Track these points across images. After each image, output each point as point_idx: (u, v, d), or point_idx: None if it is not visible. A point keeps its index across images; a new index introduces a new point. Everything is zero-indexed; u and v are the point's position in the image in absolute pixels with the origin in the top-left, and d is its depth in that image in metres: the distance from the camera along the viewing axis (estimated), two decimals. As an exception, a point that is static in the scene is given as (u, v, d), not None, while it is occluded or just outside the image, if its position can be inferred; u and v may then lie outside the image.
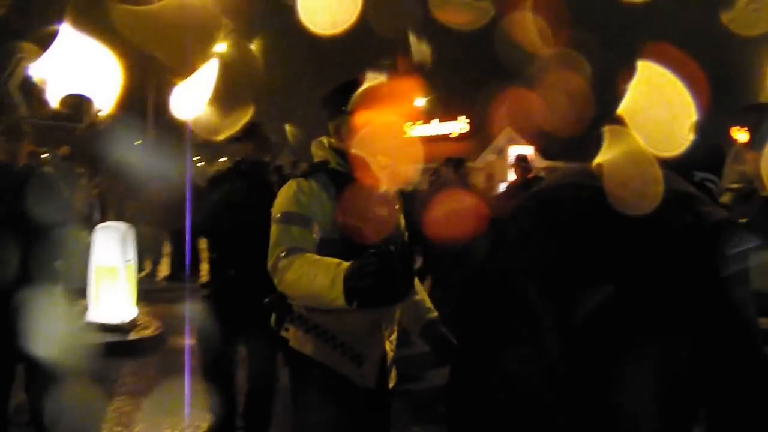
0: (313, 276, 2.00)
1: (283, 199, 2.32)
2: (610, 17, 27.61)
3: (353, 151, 2.37)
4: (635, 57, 1.68)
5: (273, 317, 2.40)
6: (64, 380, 3.71)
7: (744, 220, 2.70)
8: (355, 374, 2.28)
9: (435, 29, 17.46)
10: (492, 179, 10.63)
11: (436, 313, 2.51)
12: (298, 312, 2.32)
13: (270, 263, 2.17)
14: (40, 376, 3.68)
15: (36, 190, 3.69)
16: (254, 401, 3.92)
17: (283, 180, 2.97)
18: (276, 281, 2.16)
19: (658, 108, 1.69)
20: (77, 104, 7.40)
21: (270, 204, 2.39)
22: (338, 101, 2.41)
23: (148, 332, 6.67)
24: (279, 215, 2.27)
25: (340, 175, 2.36)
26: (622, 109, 1.72)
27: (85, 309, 6.50)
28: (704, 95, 1.65)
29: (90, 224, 7.01)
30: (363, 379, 2.28)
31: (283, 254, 2.13)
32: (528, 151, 19.71)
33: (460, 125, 35.65)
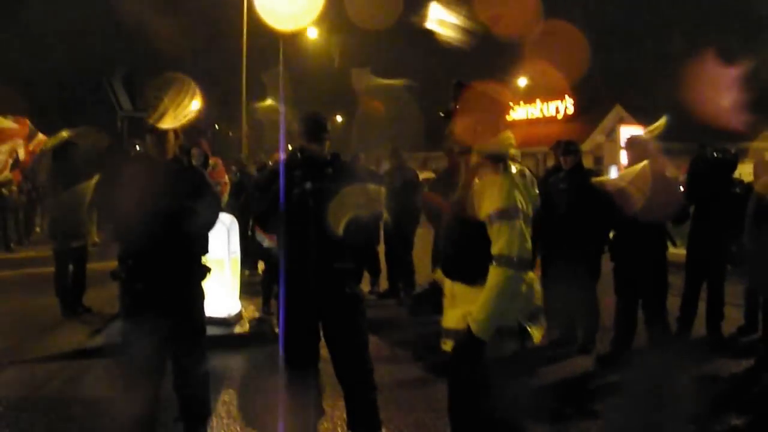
0: None
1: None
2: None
3: None
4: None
5: None
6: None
7: None
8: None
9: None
10: (600, 163, 10.05)
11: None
12: None
13: None
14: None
15: (188, 184, 3.71)
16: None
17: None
18: None
19: None
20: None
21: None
22: None
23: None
24: None
25: None
26: None
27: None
28: None
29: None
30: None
31: None
32: (641, 132, 18.39)
33: (565, 105, 34.21)
